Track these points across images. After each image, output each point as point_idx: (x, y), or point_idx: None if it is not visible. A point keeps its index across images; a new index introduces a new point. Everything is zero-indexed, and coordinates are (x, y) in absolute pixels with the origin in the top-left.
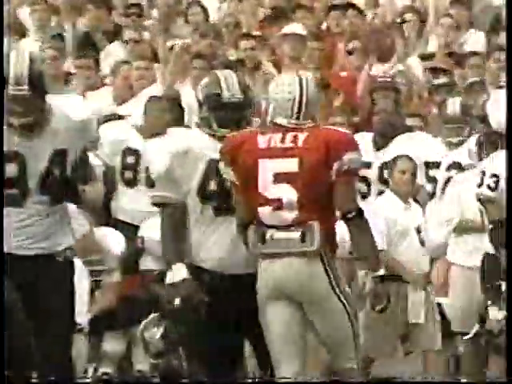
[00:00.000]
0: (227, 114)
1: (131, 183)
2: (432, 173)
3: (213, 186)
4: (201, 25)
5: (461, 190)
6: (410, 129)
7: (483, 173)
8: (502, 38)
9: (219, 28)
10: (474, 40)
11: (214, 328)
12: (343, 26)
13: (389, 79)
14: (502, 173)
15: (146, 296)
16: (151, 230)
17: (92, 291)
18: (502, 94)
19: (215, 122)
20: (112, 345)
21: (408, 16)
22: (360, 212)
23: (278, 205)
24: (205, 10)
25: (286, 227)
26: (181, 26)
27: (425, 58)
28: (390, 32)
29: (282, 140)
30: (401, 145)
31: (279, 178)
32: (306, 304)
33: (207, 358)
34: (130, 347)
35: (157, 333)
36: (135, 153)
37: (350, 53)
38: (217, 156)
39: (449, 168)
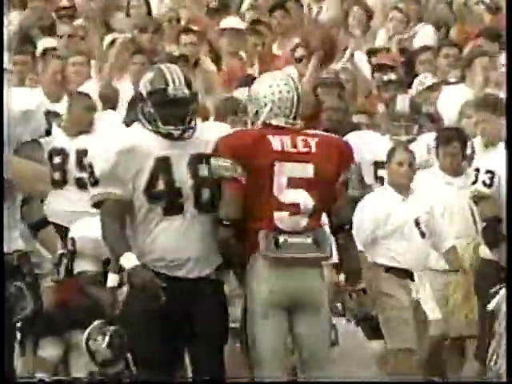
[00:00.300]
0: (172, 110)
1: (60, 184)
2: (381, 173)
3: (161, 185)
4: (142, 18)
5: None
6: (357, 126)
7: (477, 170)
8: (452, 33)
9: (161, 22)
10: (424, 35)
11: (163, 330)
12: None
13: (332, 75)
14: (498, 169)
15: (82, 299)
16: (83, 230)
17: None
18: (452, 90)
19: (160, 118)
20: (48, 350)
21: (354, 10)
22: (351, 225)
23: (294, 210)
24: (147, 2)
25: (299, 233)
26: (120, 20)
27: (373, 53)
28: (335, 27)
29: (294, 144)
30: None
31: (294, 182)
32: (300, 312)
33: (154, 360)
34: (67, 353)
35: (103, 342)
36: (62, 152)
37: (300, 60)
38: (163, 154)
39: None
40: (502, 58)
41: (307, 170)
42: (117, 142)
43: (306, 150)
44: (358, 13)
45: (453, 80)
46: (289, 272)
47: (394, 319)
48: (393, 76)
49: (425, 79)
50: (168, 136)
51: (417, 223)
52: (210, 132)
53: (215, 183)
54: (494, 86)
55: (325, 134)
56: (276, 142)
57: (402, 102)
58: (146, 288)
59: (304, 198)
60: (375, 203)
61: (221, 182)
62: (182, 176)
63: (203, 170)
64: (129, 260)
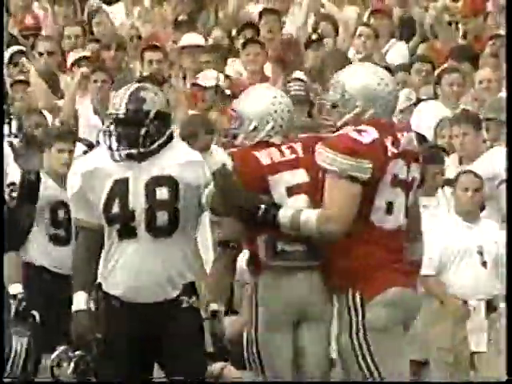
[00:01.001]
0: (118, 131)
1: None
2: None
3: (116, 207)
4: (106, 35)
5: None
6: None
7: None
8: (423, 49)
9: (124, 39)
10: (397, 51)
11: (124, 356)
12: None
13: (303, 92)
14: None
15: None
16: None
17: None
18: (424, 106)
19: (115, 138)
20: None
21: (322, 25)
22: None
23: None
24: (110, 19)
25: (293, 240)
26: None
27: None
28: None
29: (282, 154)
30: None
31: (293, 190)
32: (305, 323)
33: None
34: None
35: (68, 368)
36: None
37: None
38: (123, 175)
39: None
40: (478, 75)
41: (301, 175)
42: (82, 164)
43: (293, 156)
44: (326, 28)
45: (424, 97)
46: (292, 281)
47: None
48: None
49: (410, 95)
50: (128, 157)
51: (480, 252)
52: (179, 152)
53: (173, 207)
54: (471, 101)
55: (304, 135)
56: (264, 157)
57: None
58: (80, 337)
59: (305, 203)
60: (443, 227)
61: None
62: (138, 198)
63: (162, 193)
64: (77, 302)
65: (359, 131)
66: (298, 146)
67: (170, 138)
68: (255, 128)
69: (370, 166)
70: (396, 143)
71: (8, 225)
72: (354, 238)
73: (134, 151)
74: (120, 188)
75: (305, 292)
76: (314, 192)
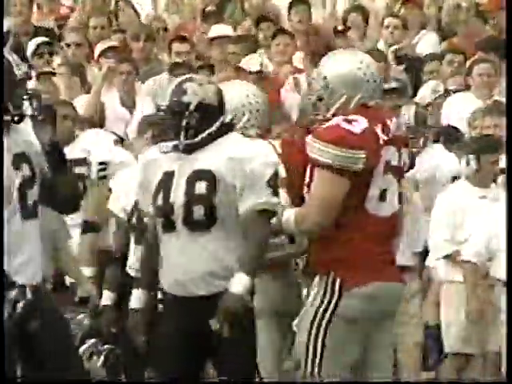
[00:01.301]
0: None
1: None
2: None
3: (160, 200)
4: (135, 26)
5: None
6: None
7: None
8: (459, 40)
9: (153, 30)
10: (427, 42)
11: (180, 353)
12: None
13: None
14: None
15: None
16: None
17: None
18: (455, 98)
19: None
20: None
21: (353, 16)
22: None
23: None
24: (135, 10)
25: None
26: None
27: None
28: (331, 34)
29: None
30: None
31: None
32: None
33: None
34: None
35: (98, 361)
36: None
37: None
38: (171, 167)
39: None
40: None
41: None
42: (145, 155)
43: None
44: (356, 19)
45: (452, 87)
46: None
47: None
48: (394, 84)
49: (438, 87)
50: (174, 149)
51: None
52: (228, 146)
53: (210, 201)
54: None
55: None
56: None
57: (407, 113)
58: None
59: (284, 199)
60: (489, 214)
61: None
62: (179, 191)
63: (201, 187)
64: (132, 300)
65: (349, 121)
66: (276, 144)
67: (224, 130)
68: (231, 120)
69: (363, 156)
70: (386, 130)
71: (49, 195)
72: (348, 226)
73: (178, 143)
74: (166, 180)
75: (283, 285)
76: (293, 188)
